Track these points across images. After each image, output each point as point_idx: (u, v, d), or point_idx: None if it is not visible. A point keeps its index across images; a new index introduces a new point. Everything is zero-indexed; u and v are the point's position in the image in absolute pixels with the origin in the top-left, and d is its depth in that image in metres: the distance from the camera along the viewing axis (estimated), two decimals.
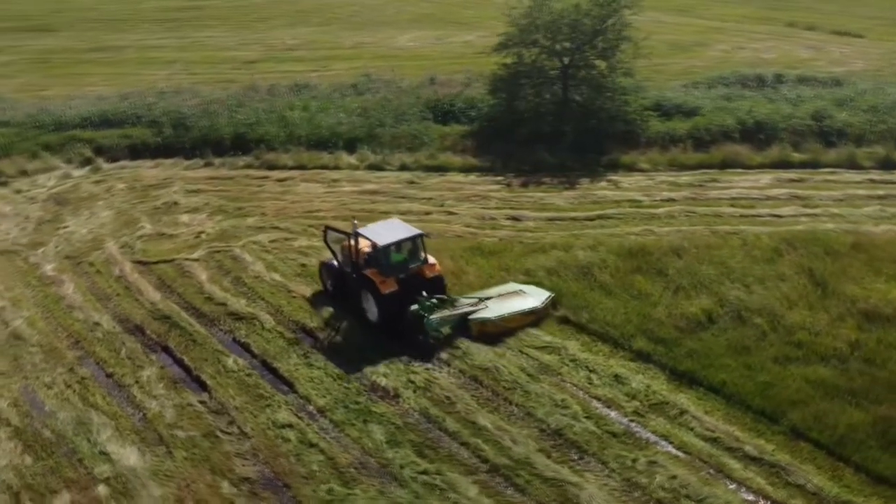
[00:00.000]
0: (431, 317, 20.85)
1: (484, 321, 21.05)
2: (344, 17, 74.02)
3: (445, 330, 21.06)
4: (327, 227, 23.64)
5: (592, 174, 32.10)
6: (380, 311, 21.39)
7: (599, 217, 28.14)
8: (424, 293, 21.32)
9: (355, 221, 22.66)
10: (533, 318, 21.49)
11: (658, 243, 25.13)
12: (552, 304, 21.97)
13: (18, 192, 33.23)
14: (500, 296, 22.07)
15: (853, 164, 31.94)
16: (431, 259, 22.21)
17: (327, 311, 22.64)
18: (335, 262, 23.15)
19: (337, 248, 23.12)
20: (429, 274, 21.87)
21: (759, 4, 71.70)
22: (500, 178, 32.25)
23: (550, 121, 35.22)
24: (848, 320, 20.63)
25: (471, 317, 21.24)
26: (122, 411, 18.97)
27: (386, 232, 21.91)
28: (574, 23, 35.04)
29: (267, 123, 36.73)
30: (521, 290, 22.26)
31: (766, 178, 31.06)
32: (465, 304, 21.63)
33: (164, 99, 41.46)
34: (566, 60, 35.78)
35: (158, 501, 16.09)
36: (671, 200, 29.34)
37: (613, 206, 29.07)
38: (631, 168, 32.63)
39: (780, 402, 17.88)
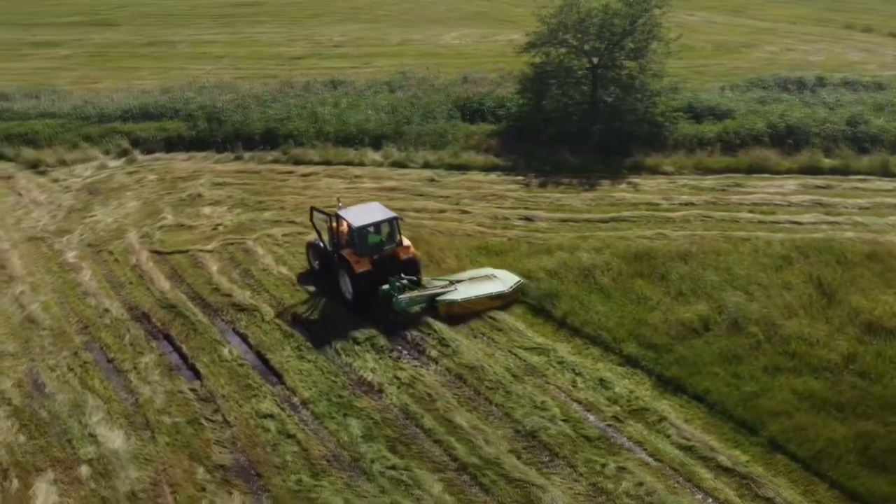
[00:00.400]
0: (400, 296, 21.83)
1: (451, 302, 21.95)
2: (395, 14, 74.71)
3: (415, 309, 21.96)
4: (313, 209, 24.67)
5: (614, 176, 31.79)
6: (353, 289, 22.49)
7: (613, 219, 27.87)
8: (403, 276, 22.37)
9: (340, 204, 23.82)
10: (500, 302, 22.17)
11: (666, 248, 24.78)
12: (520, 289, 22.56)
13: (56, 181, 34.51)
14: (471, 279, 22.87)
15: (886, 172, 30.92)
16: (406, 241, 23.27)
17: (310, 289, 23.75)
18: (321, 243, 24.13)
19: (323, 229, 24.16)
20: (403, 256, 22.90)
21: (818, 5, 69.91)
22: (520, 177, 32.19)
23: (577, 121, 34.94)
24: (849, 332, 20.04)
25: (438, 298, 22.10)
26: (117, 395, 19.60)
27: (363, 214, 22.99)
28: (603, 22, 34.64)
29: (297, 119, 37.34)
30: (492, 275, 22.93)
31: (791, 183, 30.31)
32: (435, 285, 22.63)
33: (202, 93, 42.57)
34: (595, 60, 35.43)
35: (134, 483, 16.61)
36: (690, 204, 28.87)
37: (630, 208, 28.74)
38: (654, 171, 32.19)
39: (762, 412, 17.50)
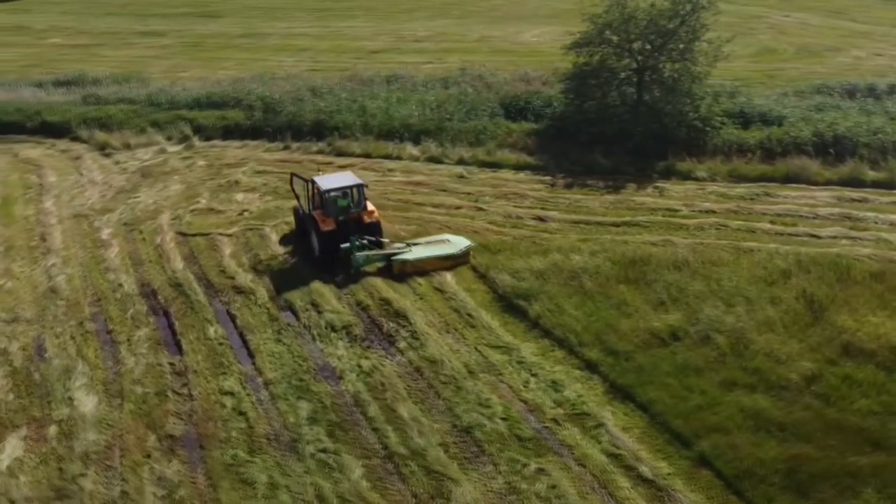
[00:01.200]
0: (358, 254, 24.42)
1: (403, 262, 24.39)
2: (485, 10, 75.01)
3: (371, 267, 24.59)
4: (293, 175, 27.61)
5: (642, 180, 31.30)
6: (319, 245, 25.23)
7: (625, 224, 27.51)
8: (364, 237, 24.96)
9: (319, 171, 27.13)
10: (450, 263, 24.55)
11: (663, 255, 24.35)
12: (469, 253, 24.81)
13: (117, 163, 36.94)
14: (427, 243, 25.34)
15: None
16: (370, 206, 25.94)
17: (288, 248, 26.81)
18: (301, 208, 26.68)
19: (302, 194, 26.86)
20: (367, 219, 25.57)
21: None
22: (547, 177, 32.15)
23: (617, 123, 34.47)
24: (823, 351, 19.28)
25: (393, 257, 24.48)
26: (103, 364, 21.12)
27: (334, 180, 26.18)
28: (650, 23, 34.03)
29: (346, 112, 38.46)
30: (447, 240, 25.43)
31: (825, 195, 29.00)
32: (393, 247, 25.10)
33: (270, 84, 44.29)
34: (640, 61, 34.83)
35: (90, 445, 17.94)
36: (710, 212, 28.15)
37: (647, 213, 28.29)
38: (686, 176, 31.45)
39: (701, 427, 17.15)
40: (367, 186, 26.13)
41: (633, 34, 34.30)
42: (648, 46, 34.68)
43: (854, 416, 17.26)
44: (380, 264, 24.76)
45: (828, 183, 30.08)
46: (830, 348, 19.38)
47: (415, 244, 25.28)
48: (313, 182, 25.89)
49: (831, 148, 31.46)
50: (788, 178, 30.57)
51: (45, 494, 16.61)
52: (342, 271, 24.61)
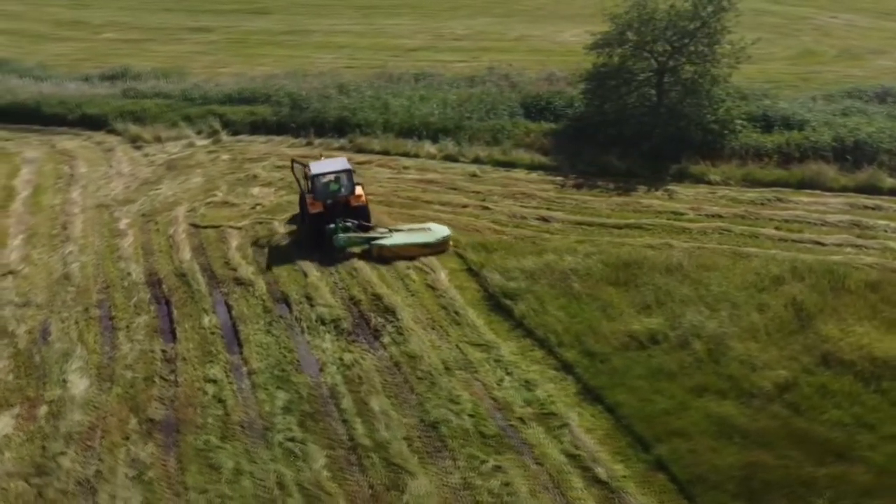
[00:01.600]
0: (340, 235, 25.83)
1: (382, 246, 25.65)
2: (530, 9, 74.67)
3: (355, 249, 25.99)
4: (293, 160, 29.22)
5: (653, 182, 31.08)
6: (307, 226, 26.81)
7: (628, 226, 27.42)
8: (348, 220, 26.22)
9: (322, 156, 28.73)
10: (427, 250, 25.52)
11: (657, 258, 24.21)
12: (447, 242, 25.80)
13: (146, 155, 38.14)
14: (409, 230, 26.48)
15: None
16: (359, 191, 27.11)
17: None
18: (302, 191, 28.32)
19: (302, 178, 28.19)
20: (354, 203, 26.76)
21: None
22: (558, 178, 32.14)
23: (635, 124, 34.21)
24: (801, 360, 19.05)
25: (373, 241, 25.78)
26: (100, 349, 21.99)
27: (325, 165, 27.60)
28: (671, 24, 33.71)
29: (369, 109, 38.95)
30: (428, 228, 26.51)
31: (838, 201, 28.43)
32: (377, 231, 26.36)
33: (302, 81, 45.10)
34: (661, 62, 34.52)
35: (74, 426, 18.77)
36: (717, 216, 27.83)
37: (652, 216, 28.14)
38: (699, 179, 31.12)
39: (663, 431, 17.16)
40: (354, 172, 27.52)
41: (652, 35, 33.98)
42: (668, 48, 34.34)
43: (822, 427, 17.06)
44: (364, 247, 26.09)
45: (843, 189, 29.45)
46: (810, 357, 19.15)
47: (397, 230, 26.55)
48: (307, 167, 27.43)
49: (851, 153, 30.76)
50: (803, 184, 30.02)
51: (25, 470, 17.46)
52: (329, 252, 26.07)
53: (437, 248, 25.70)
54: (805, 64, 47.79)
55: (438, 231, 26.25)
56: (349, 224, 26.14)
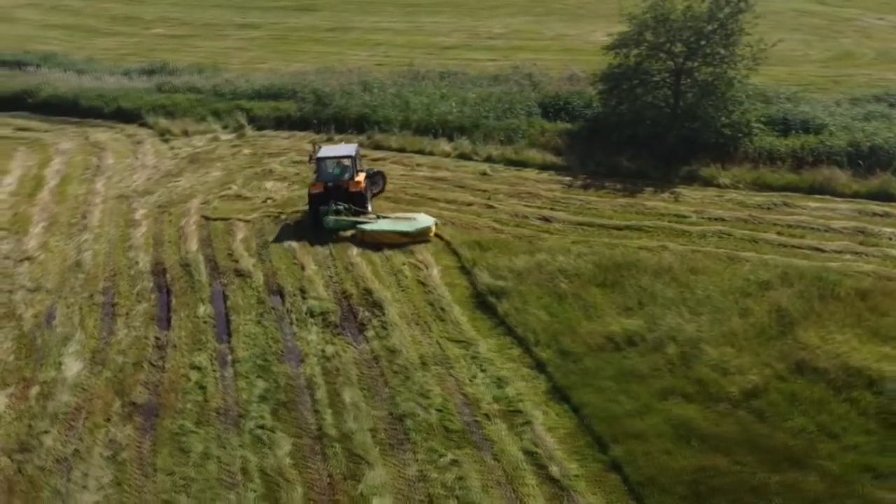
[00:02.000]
0: (328, 217, 27.53)
1: (364, 231, 27.18)
2: (568, 8, 74.32)
3: (345, 232, 27.50)
4: (313, 143, 31.58)
5: (661, 184, 30.89)
6: (309, 205, 28.44)
7: (628, 227, 27.37)
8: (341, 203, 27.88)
9: (341, 141, 31.06)
10: (408, 239, 26.67)
11: (649, 260, 24.15)
12: (427, 234, 26.83)
13: (172, 148, 39.29)
14: (395, 217, 27.81)
15: None
16: (359, 178, 28.64)
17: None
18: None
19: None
20: (352, 189, 28.23)
21: None
22: (567, 178, 32.18)
23: (649, 126, 34.03)
24: (775, 366, 18.89)
25: (358, 225, 27.29)
26: (98, 334, 22.88)
27: (330, 150, 29.58)
28: (683, 25, 33.40)
29: (389, 107, 39.45)
30: (413, 217, 27.59)
31: (846, 207, 27.92)
32: (366, 216, 27.87)
33: (330, 77, 45.81)
34: (678, 63, 34.23)
35: (61, 407, 19.63)
36: (720, 220, 27.59)
37: (654, 218, 28.02)
38: (708, 182, 30.84)
39: (622, 432, 17.24)
40: (352, 158, 28.77)
41: (668, 36, 33.71)
42: (685, 49, 34.02)
43: (783, 434, 16.95)
44: (352, 231, 27.56)
45: (855, 195, 28.89)
46: (783, 364, 18.97)
47: (384, 217, 28.00)
48: (317, 149, 29.51)
49: (865, 159, 30.15)
50: (814, 189, 29.55)
51: (9, 447, 18.37)
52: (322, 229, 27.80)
53: (417, 238, 26.71)
54: (839, 66, 46.74)
55: (422, 221, 27.28)
56: (341, 207, 27.70)
